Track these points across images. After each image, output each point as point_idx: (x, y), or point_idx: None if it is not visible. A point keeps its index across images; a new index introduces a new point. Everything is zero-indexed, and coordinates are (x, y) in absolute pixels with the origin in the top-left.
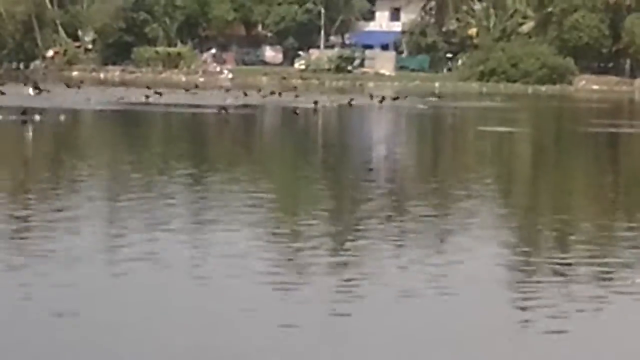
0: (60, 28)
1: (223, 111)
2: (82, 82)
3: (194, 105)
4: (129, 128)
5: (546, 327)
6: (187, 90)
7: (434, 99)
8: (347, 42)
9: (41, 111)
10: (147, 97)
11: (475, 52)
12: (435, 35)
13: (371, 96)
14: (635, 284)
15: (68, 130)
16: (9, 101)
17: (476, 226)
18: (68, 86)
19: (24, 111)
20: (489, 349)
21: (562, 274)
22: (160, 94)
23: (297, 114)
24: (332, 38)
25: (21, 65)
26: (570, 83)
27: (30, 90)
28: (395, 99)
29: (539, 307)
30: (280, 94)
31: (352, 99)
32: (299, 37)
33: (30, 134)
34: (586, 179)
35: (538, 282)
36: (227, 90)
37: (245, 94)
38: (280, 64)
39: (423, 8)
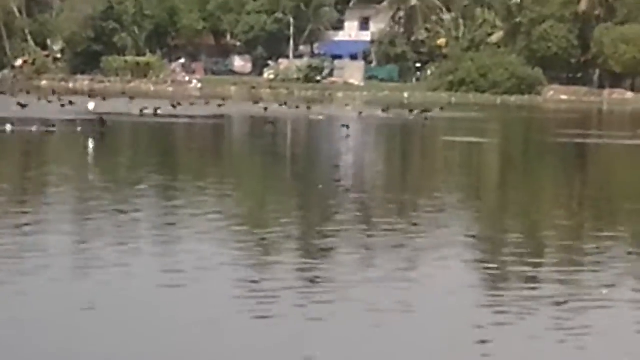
0: (29, 37)
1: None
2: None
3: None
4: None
5: (508, 345)
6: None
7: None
8: (316, 51)
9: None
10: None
11: (444, 62)
12: (404, 45)
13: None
14: (604, 295)
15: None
16: None
17: (443, 239)
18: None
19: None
20: None
21: (529, 288)
22: (176, 105)
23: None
24: (301, 48)
25: None
26: (539, 93)
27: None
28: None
29: (502, 325)
30: (297, 106)
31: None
32: (268, 47)
33: None
34: (553, 190)
35: (504, 296)
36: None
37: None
38: (249, 74)
39: (392, 18)
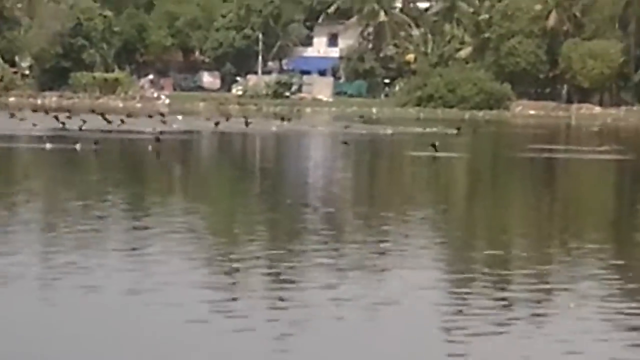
0: None
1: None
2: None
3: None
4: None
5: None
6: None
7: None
8: (284, 67)
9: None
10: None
11: (412, 77)
12: (372, 60)
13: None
14: (571, 308)
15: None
16: None
17: (408, 252)
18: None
19: None
20: None
21: (494, 299)
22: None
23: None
24: (270, 64)
25: None
26: (507, 108)
27: None
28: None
29: (470, 336)
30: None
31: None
32: (236, 63)
33: None
34: (520, 204)
35: (470, 312)
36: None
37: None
38: (218, 90)
39: (361, 34)
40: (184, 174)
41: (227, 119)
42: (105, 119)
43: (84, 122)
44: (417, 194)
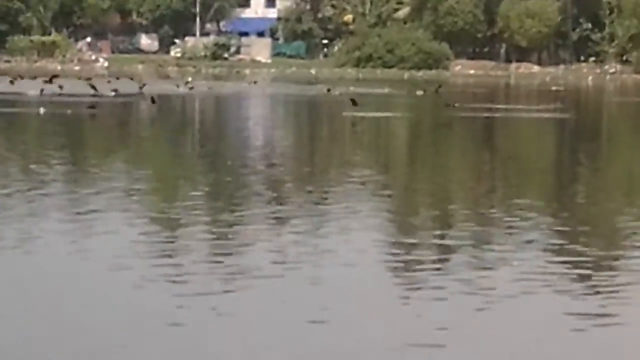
0: None
1: None
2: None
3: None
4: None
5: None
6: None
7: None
8: (222, 29)
9: None
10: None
11: (351, 38)
12: (311, 21)
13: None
14: (514, 266)
15: None
16: None
17: (351, 213)
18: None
19: None
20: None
21: (440, 261)
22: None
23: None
24: (208, 25)
25: None
26: (446, 68)
27: None
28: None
29: (422, 299)
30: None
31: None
32: (174, 25)
33: None
34: (460, 163)
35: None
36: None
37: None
38: (156, 52)
39: None
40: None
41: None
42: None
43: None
44: (357, 153)
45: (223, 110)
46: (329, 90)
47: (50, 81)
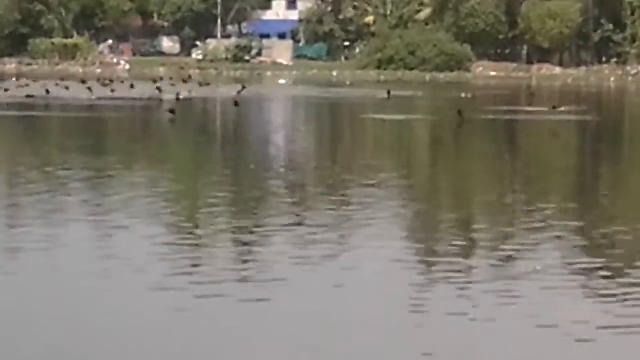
0: None
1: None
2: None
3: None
4: None
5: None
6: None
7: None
8: (244, 31)
9: None
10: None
11: (372, 39)
12: (332, 23)
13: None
14: (536, 270)
15: None
16: None
17: (372, 219)
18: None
19: None
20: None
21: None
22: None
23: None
24: (229, 27)
25: None
26: (467, 70)
27: None
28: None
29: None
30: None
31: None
32: (195, 27)
33: None
34: (483, 167)
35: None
36: None
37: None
38: (178, 54)
39: None
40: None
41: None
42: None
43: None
44: (380, 156)
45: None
46: (388, 93)
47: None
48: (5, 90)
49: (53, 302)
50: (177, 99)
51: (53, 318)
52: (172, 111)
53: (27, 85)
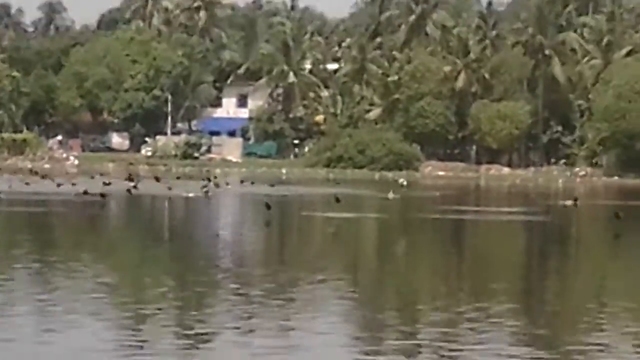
0: None
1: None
2: None
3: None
4: None
5: None
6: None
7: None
8: (194, 128)
9: None
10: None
11: (322, 138)
12: (282, 121)
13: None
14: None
15: None
16: None
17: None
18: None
19: None
20: None
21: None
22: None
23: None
24: (179, 124)
25: None
26: (416, 169)
27: None
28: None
29: None
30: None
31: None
32: (145, 124)
33: None
34: (425, 265)
35: None
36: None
37: None
38: (127, 151)
39: (270, 95)
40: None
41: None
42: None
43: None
44: (328, 255)
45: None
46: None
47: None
48: None
49: None
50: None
51: None
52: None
53: None
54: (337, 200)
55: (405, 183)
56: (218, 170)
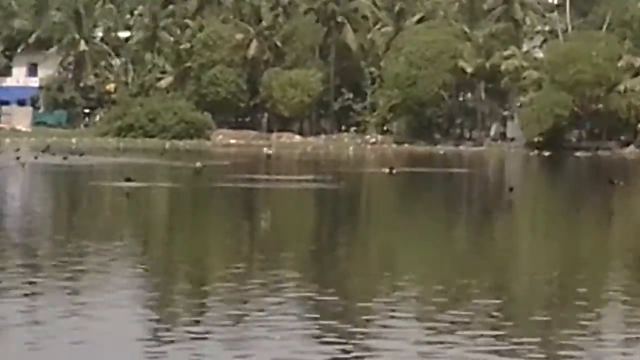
0: None
1: None
2: None
3: None
4: None
5: None
6: None
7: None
8: None
9: None
10: None
11: (113, 107)
12: (72, 90)
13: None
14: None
15: None
16: None
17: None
18: None
19: None
20: None
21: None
22: None
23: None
24: None
25: None
26: (207, 138)
27: None
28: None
29: None
30: None
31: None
32: None
33: None
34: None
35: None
36: None
37: None
38: None
39: (61, 64)
40: None
41: None
42: None
43: None
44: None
45: None
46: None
47: None
48: None
49: None
50: None
51: None
52: None
53: None
54: (128, 180)
55: (200, 165)
56: (7, 140)
